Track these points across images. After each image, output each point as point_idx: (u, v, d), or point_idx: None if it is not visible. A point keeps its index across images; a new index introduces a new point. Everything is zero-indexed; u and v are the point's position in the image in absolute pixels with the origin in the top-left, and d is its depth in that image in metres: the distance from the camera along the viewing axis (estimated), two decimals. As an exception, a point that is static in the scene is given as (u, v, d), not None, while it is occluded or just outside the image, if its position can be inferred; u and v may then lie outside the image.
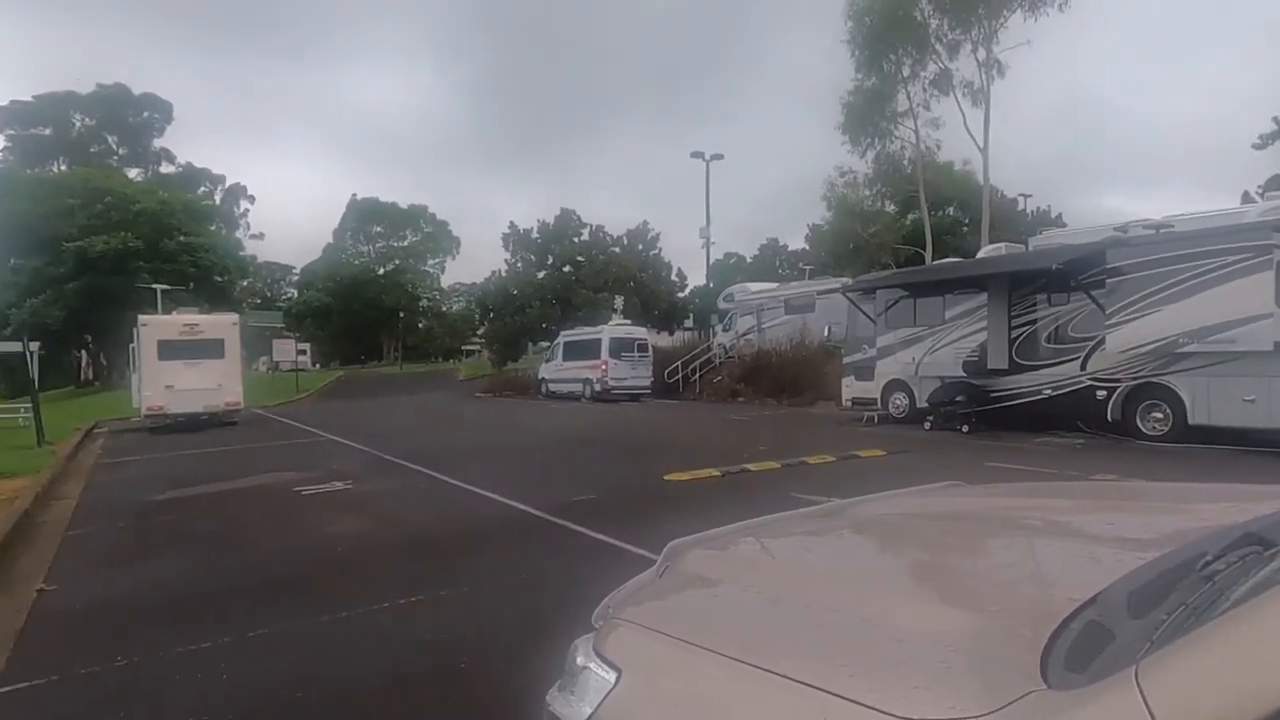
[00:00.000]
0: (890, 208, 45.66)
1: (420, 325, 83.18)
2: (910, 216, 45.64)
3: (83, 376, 57.65)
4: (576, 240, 55.23)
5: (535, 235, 55.19)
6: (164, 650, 4.91)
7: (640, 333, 33.43)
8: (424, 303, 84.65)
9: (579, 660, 1.84)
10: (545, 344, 42.25)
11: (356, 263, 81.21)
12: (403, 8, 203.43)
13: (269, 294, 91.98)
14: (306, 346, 59.30)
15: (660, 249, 55.14)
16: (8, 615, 5.79)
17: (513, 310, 51.57)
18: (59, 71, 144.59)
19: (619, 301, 39.87)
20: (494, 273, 56.75)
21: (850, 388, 21.22)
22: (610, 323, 34.31)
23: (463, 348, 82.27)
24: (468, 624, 5.24)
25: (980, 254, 19.51)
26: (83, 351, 57.18)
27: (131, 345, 24.16)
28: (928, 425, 17.18)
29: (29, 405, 21.49)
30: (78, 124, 60.46)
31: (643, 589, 2.19)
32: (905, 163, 36.04)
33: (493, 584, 6.23)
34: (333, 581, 6.46)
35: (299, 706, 4.05)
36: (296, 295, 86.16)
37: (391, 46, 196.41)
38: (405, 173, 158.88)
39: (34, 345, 21.57)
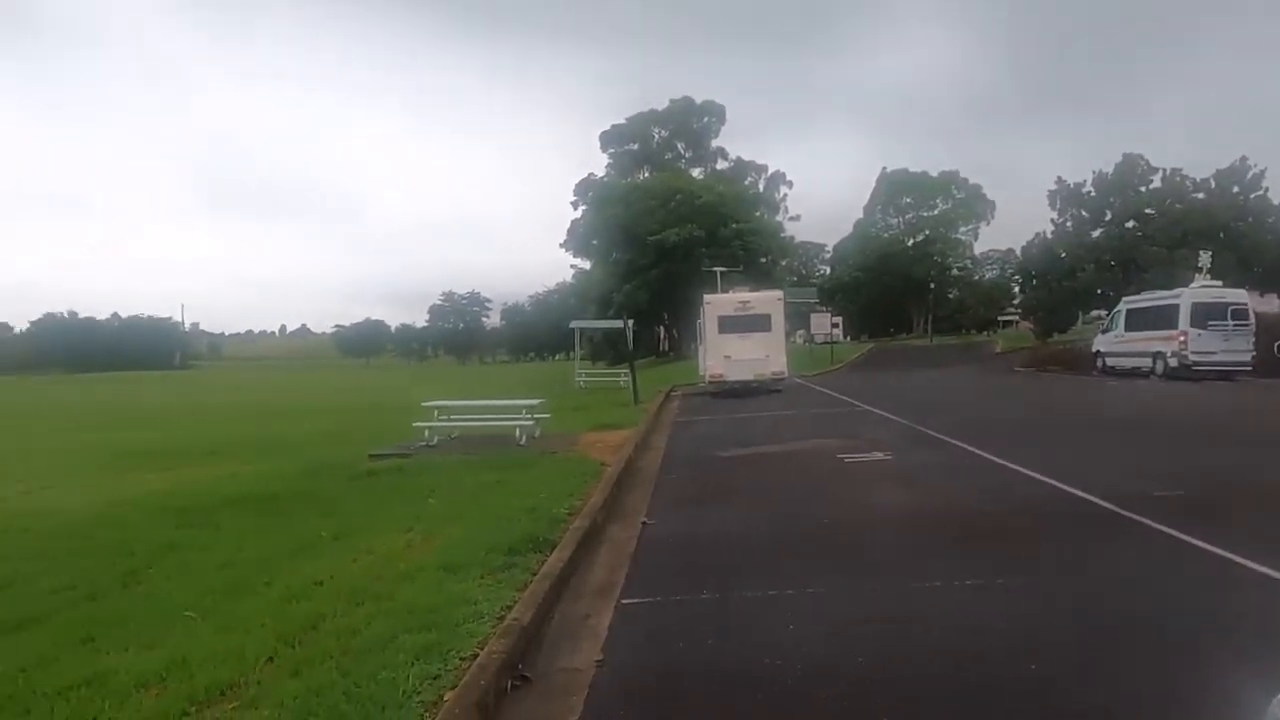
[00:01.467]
0: None
1: (950, 296, 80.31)
2: None
3: (661, 348, 69.14)
4: (1144, 190, 47.03)
5: (1088, 189, 48.55)
6: (735, 589, 5.49)
7: (1237, 295, 26.97)
8: (954, 272, 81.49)
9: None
10: (1100, 313, 36.91)
11: (885, 236, 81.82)
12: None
13: (804, 271, 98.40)
14: (839, 320, 61.99)
15: (1266, 189, 43.78)
16: (625, 541, 7.12)
17: (1059, 276, 46.30)
18: (645, 95, 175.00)
19: (1205, 258, 32.65)
20: (1037, 235, 51.63)
21: None
22: (1193, 284, 28.39)
23: (998, 319, 77.06)
24: (1032, 621, 4.73)
25: None
26: (661, 327, 68.54)
27: (698, 321, 28.00)
28: None
29: (627, 371, 26.52)
30: (656, 136, 72.30)
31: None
32: None
33: (1059, 580, 5.56)
34: (881, 550, 6.50)
35: (860, 673, 4.10)
36: (829, 271, 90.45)
37: (915, 11, 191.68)
38: (934, 140, 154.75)
39: (630, 322, 26.48)
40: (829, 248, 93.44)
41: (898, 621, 4.81)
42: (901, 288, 77.12)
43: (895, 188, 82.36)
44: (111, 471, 12.44)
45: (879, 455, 11.53)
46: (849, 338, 74.98)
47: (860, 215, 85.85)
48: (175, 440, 16.74)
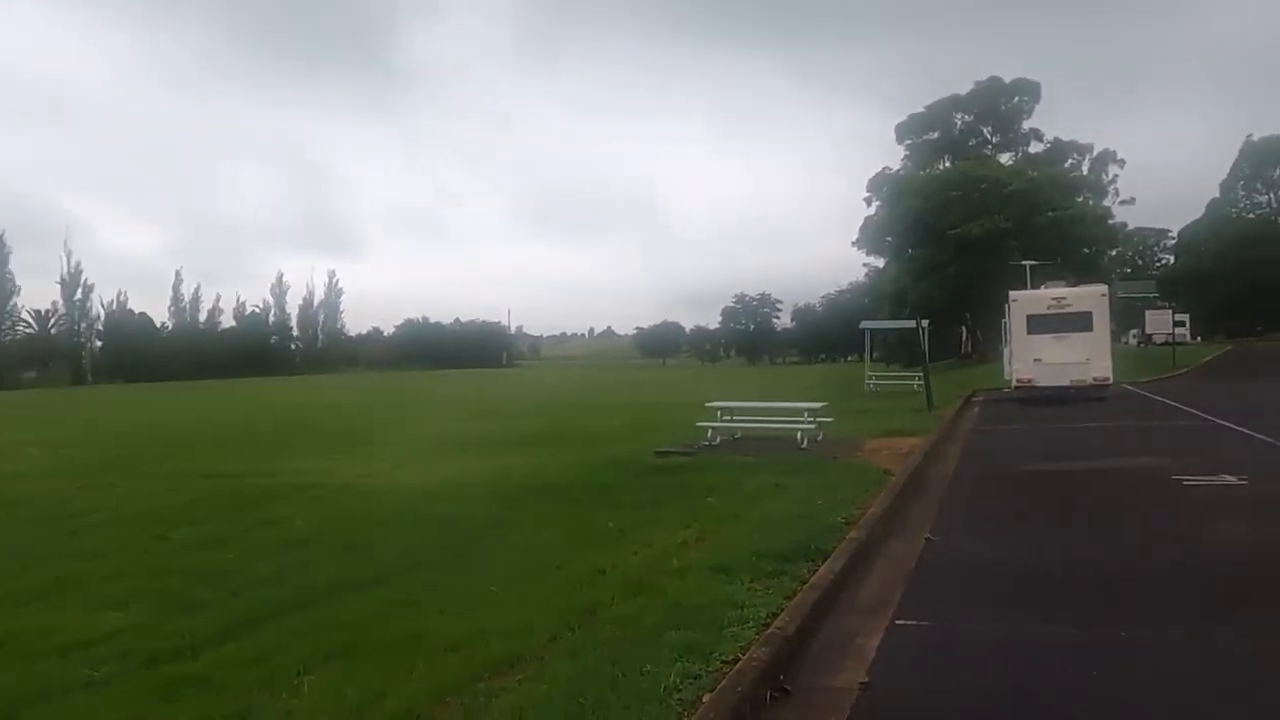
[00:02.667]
0: None
1: (1346, 287, 65.04)
2: None
3: (962, 349, 64.43)
4: None
5: None
6: (1028, 626, 4.94)
7: None
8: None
9: None
10: None
11: (1251, 216, 68.58)
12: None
13: (1140, 262, 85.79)
14: (1185, 317, 53.13)
15: None
16: (904, 558, 6.75)
17: None
18: (945, 80, 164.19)
19: None
20: None
21: None
22: None
23: None
24: None
25: None
26: (963, 327, 63.89)
27: (1003, 320, 25.68)
28: None
29: (921, 374, 25.09)
30: (958, 123, 67.47)
31: None
32: None
33: None
34: (1226, 601, 5.47)
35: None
36: (1173, 261, 78.00)
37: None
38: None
39: (924, 322, 24.99)
40: (1173, 233, 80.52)
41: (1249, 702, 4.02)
42: (1272, 276, 64.10)
43: (1265, 159, 68.68)
44: (448, 456, 14.39)
45: (1229, 479, 9.72)
46: (1197, 338, 64.04)
47: (1216, 195, 72.85)
48: (499, 430, 18.92)
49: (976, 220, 50.20)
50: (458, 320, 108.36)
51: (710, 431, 13.95)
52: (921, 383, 24.33)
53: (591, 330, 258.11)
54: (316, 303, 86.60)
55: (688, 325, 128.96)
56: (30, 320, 59.88)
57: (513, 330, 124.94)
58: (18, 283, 58.33)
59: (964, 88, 66.23)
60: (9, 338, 57.58)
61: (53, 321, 60.90)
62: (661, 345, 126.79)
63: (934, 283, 52.13)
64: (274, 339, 78.76)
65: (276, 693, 3.98)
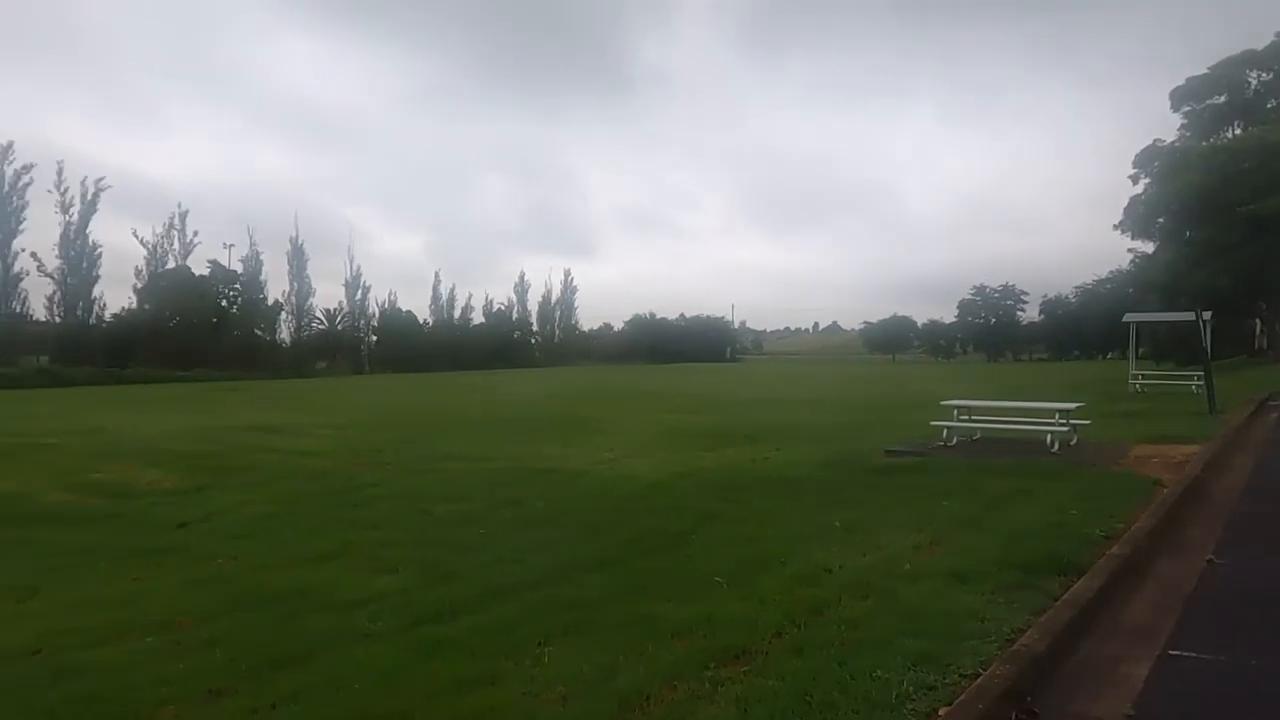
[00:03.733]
0: None
1: None
2: None
3: (1255, 346, 55.57)
4: None
5: None
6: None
7: None
8: None
9: None
10: None
11: None
12: None
13: None
14: None
15: None
16: (1179, 580, 5.94)
17: None
18: (1232, 36, 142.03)
19: None
20: None
21: None
22: None
23: None
24: None
25: None
26: (1255, 320, 55.10)
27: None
28: None
29: (1200, 373, 21.93)
30: (1252, 83, 57.99)
31: None
32: None
33: None
34: None
35: None
36: None
37: None
38: None
39: (1206, 314, 21.81)
40: None
41: None
42: None
43: None
44: (673, 447, 14.77)
45: None
46: None
47: None
48: (723, 424, 19.10)
49: (1276, 195, 42.97)
50: (683, 316, 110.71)
51: (946, 431, 13.15)
52: (1201, 383, 21.28)
53: (816, 325, 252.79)
54: (554, 300, 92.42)
55: (919, 319, 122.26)
56: (322, 318, 69.30)
57: (736, 325, 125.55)
58: (313, 285, 67.49)
59: (1263, 40, 56.79)
60: (306, 333, 66.93)
61: (339, 318, 69.99)
62: (891, 340, 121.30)
63: (1218, 269, 45.43)
64: (516, 334, 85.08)
65: (520, 660, 4.30)
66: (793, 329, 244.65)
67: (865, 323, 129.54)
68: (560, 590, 5.74)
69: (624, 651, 4.36)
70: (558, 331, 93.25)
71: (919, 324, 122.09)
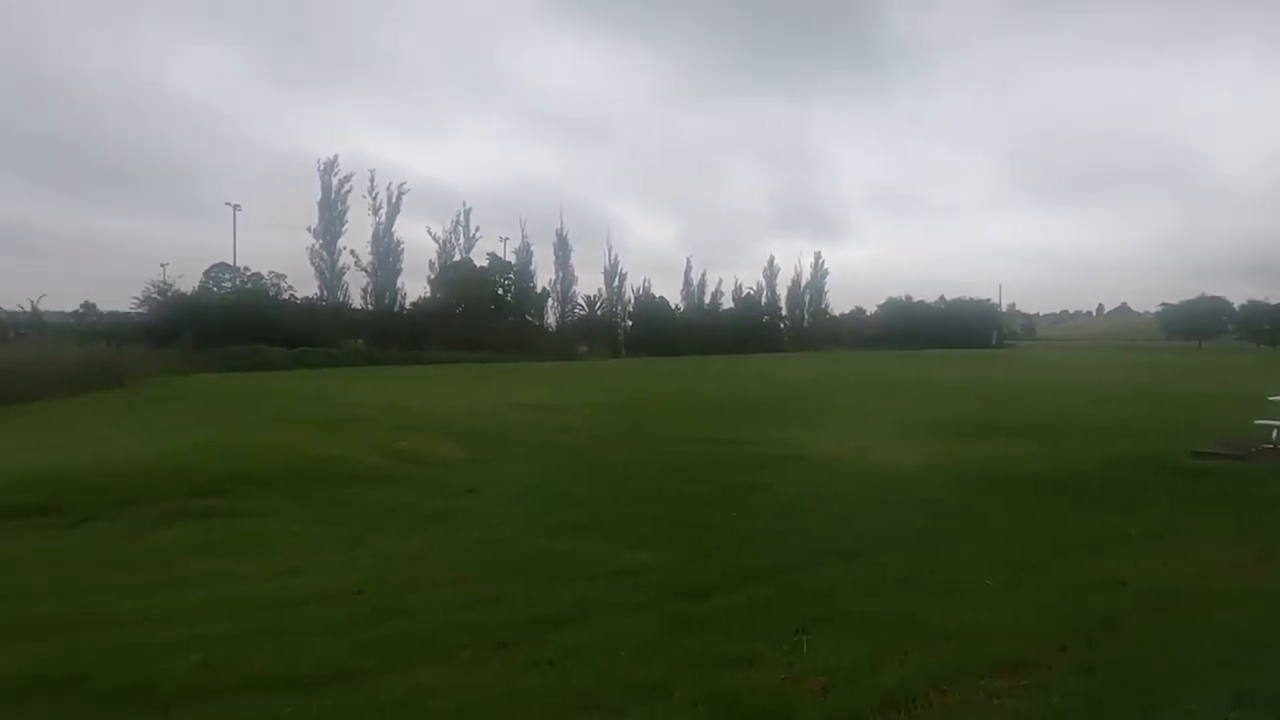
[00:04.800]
0: None
1: None
2: None
3: None
4: None
5: None
6: None
7: None
8: None
9: None
10: None
11: None
12: None
13: None
14: None
15: None
16: None
17: None
18: None
19: None
20: None
21: None
22: None
23: None
24: None
25: None
26: None
27: None
28: None
29: None
30: None
31: None
32: None
33: None
34: None
35: None
36: None
37: None
38: None
39: None
40: None
41: None
42: None
43: None
44: (929, 438, 13.94)
45: None
46: None
47: None
48: (986, 415, 17.73)
49: None
50: (942, 298, 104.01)
51: (1276, 433, 11.14)
52: None
53: (1100, 308, 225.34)
54: (803, 284, 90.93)
55: (1235, 300, 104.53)
56: (583, 304, 73.95)
57: (1004, 308, 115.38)
58: (576, 274, 72.19)
59: None
60: (570, 319, 71.83)
61: (598, 305, 74.25)
62: (1197, 324, 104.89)
63: None
64: (765, 319, 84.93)
65: (776, 645, 4.29)
66: (1071, 312, 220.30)
67: (1164, 304, 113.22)
68: (812, 578, 5.66)
69: (884, 648, 4.20)
70: (807, 316, 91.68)
71: (1235, 305, 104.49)
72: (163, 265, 51.23)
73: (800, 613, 4.79)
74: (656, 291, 78.23)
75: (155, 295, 44.97)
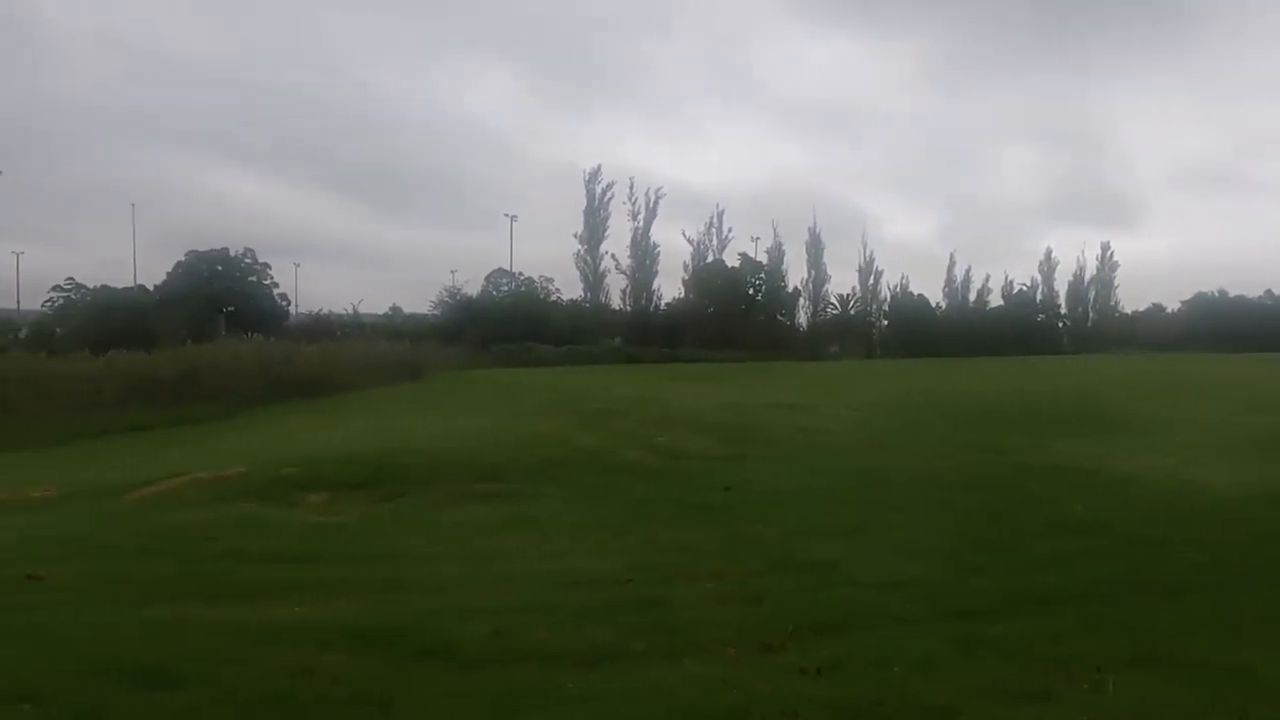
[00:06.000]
0: None
1: None
2: None
3: None
4: None
5: None
6: None
7: None
8: None
9: None
10: None
11: None
12: None
13: None
14: None
15: None
16: None
17: None
18: None
19: None
20: None
21: None
22: None
23: None
24: None
25: None
26: None
27: None
28: None
29: None
30: None
31: None
32: None
33: None
34: None
35: None
36: None
37: None
38: None
39: None
40: None
41: None
42: None
43: None
44: (1262, 457, 11.83)
45: None
46: None
47: None
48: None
49: None
50: (1269, 293, 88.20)
51: None
52: None
53: None
54: (1087, 279, 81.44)
55: None
56: (835, 303, 72.13)
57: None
58: (829, 272, 70.58)
59: None
60: (821, 318, 70.45)
61: (851, 303, 72.05)
62: None
63: None
64: (1040, 317, 77.29)
65: (1074, 682, 3.84)
66: None
67: None
68: (1112, 610, 5.01)
69: (1214, 701, 3.59)
70: (1091, 314, 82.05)
71: None
72: (452, 272, 57.79)
73: (1100, 648, 4.25)
74: (915, 289, 74.22)
75: (446, 299, 50.80)
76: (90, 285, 42.83)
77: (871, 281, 72.37)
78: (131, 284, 46.66)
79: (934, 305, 74.26)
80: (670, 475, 10.75)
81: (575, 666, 4.04)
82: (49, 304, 43.46)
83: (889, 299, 73.18)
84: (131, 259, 53.27)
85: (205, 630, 4.63)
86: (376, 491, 9.34)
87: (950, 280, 77.72)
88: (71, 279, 43.58)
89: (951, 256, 77.58)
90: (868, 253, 72.30)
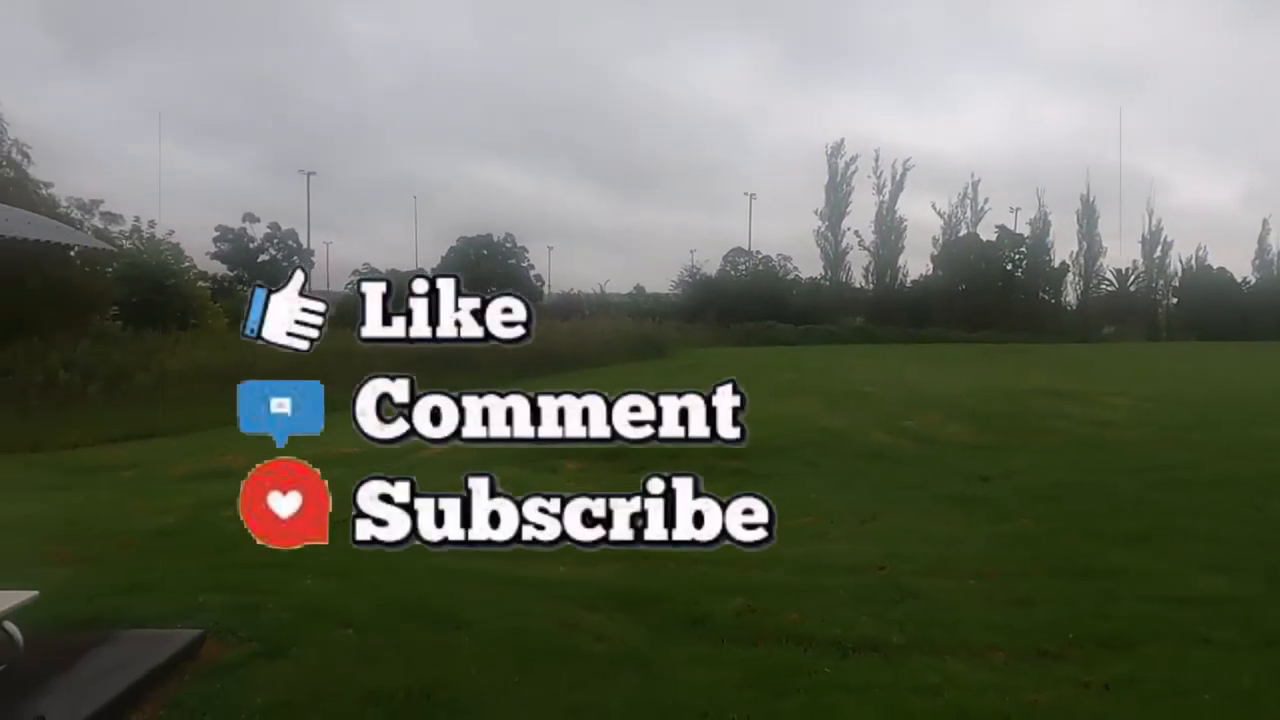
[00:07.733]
0: None
1: None
2: None
3: None
4: None
5: None
6: None
7: None
8: None
9: None
10: None
11: None
12: None
13: None
14: None
15: None
16: None
17: None
18: None
19: None
20: None
21: None
22: None
23: None
24: None
25: None
26: None
27: None
28: None
29: None
30: None
31: None
32: None
33: None
34: None
35: None
36: None
37: None
38: None
39: None
40: None
41: None
42: None
43: None
44: None
45: None
46: None
47: None
48: None
49: None
50: None
51: None
52: None
53: None
54: None
55: None
56: (1112, 279, 64.35)
57: None
58: (1103, 244, 63.18)
59: None
60: (1094, 295, 63.33)
61: (1131, 279, 63.99)
62: None
63: None
64: (1387, 293, 63.67)
65: None
66: None
67: None
68: None
69: None
70: None
71: None
72: (691, 252, 58.93)
73: None
74: (1214, 262, 64.11)
75: (686, 278, 52.01)
76: (381, 270, 48.96)
77: (1157, 254, 63.66)
78: (413, 268, 52.77)
79: (1240, 280, 63.78)
80: (922, 462, 10.23)
81: (831, 651, 3.98)
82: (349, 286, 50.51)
83: (1180, 273, 63.96)
84: (414, 245, 60.22)
85: (485, 580, 5.14)
86: (628, 462, 9.79)
87: (1262, 251, 66.26)
88: (367, 263, 50.14)
89: (1264, 223, 66.05)
90: (1153, 221, 63.59)
